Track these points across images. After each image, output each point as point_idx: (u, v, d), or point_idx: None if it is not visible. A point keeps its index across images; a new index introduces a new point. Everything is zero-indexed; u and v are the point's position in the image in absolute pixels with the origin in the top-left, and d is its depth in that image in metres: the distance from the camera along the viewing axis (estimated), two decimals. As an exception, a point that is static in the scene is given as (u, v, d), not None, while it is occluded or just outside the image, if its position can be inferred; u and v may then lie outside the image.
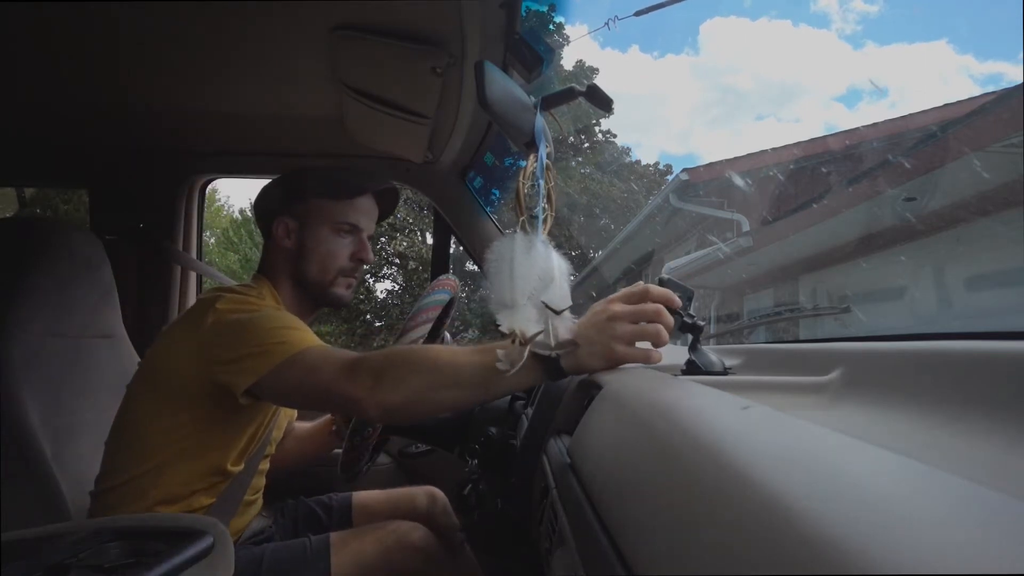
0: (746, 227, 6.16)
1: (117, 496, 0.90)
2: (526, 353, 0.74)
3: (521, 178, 0.78)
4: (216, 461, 0.93)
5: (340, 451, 1.06)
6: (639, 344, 0.69)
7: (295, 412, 1.25)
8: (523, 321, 0.72)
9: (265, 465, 1.08)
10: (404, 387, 0.74)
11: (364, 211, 1.06)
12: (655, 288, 0.71)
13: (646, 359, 0.69)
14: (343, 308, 1.11)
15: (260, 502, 1.11)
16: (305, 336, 0.85)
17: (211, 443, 0.92)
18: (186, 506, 0.92)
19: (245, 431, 0.96)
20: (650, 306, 0.70)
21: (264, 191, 1.08)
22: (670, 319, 0.69)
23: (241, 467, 0.97)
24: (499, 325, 0.76)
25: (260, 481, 1.08)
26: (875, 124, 5.96)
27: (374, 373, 0.75)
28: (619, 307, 0.69)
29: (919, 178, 3.21)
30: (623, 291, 0.72)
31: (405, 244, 11.74)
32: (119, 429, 0.94)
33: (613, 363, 0.69)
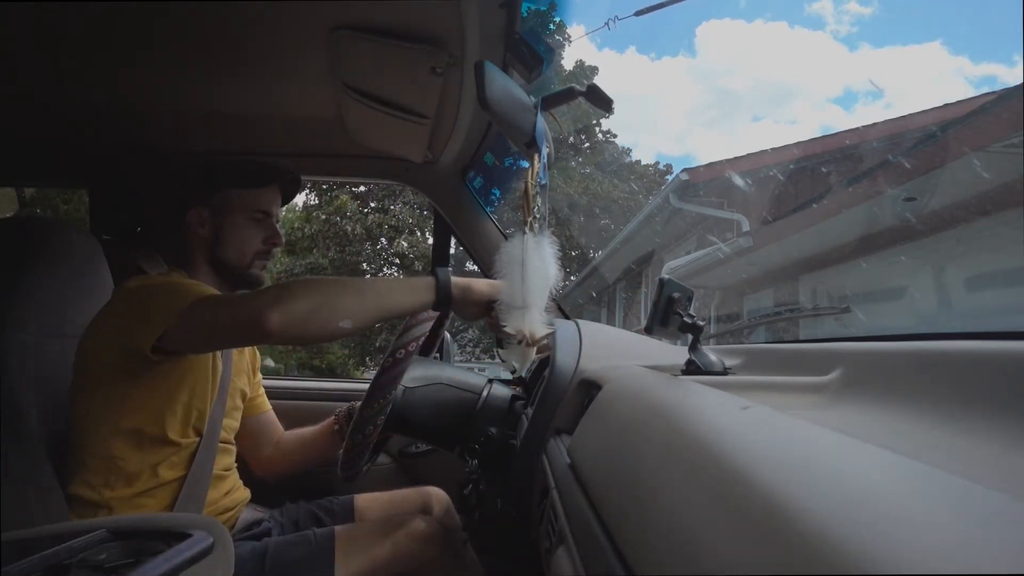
0: (746, 227, 6.16)
1: (82, 488, 0.92)
2: (533, 353, 0.76)
3: (528, 179, 0.79)
4: (153, 431, 0.94)
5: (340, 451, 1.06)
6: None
7: (262, 399, 1.25)
8: (532, 323, 0.73)
9: (229, 443, 1.10)
10: (307, 297, 0.79)
11: (273, 199, 1.13)
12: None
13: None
14: (259, 284, 1.15)
15: (237, 481, 1.12)
16: (210, 290, 0.90)
17: (139, 412, 0.94)
18: (153, 480, 0.94)
19: (176, 398, 0.97)
20: None
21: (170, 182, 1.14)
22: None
23: (192, 439, 0.98)
24: (505, 326, 0.76)
25: (227, 459, 1.10)
26: (875, 124, 5.97)
27: (277, 288, 0.81)
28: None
29: (919, 178, 3.21)
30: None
31: (406, 245, 11.75)
32: (71, 429, 0.97)
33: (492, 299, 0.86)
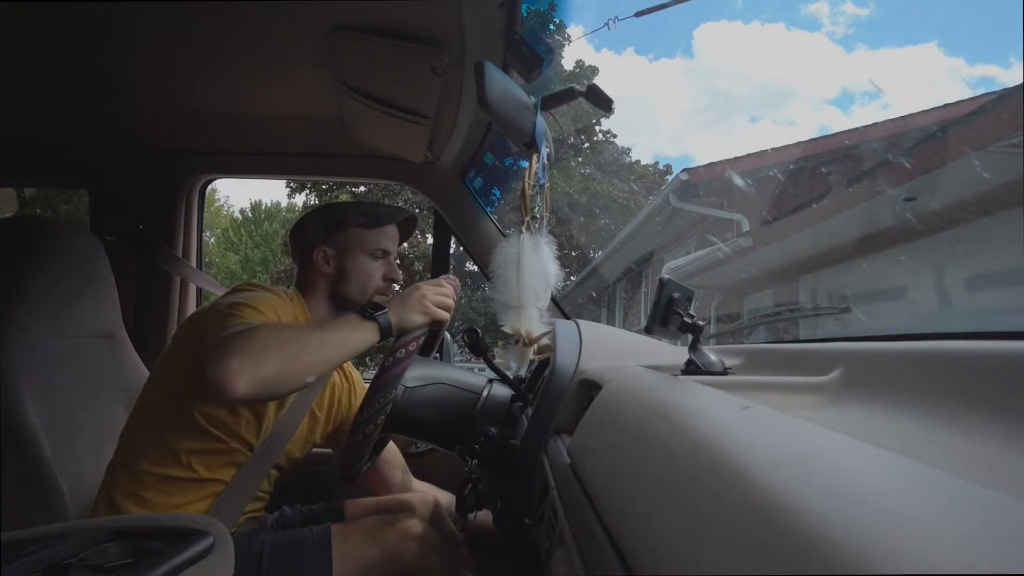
0: (746, 227, 6.16)
1: (127, 453, 0.97)
2: (530, 353, 0.76)
3: (526, 178, 0.79)
4: (203, 422, 0.96)
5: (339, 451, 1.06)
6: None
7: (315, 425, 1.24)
8: (529, 322, 0.73)
9: (277, 471, 1.11)
10: (274, 360, 0.81)
11: (392, 237, 1.18)
12: (450, 277, 1.00)
13: (444, 319, 0.96)
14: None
15: (262, 506, 1.12)
16: (253, 316, 0.93)
17: (197, 399, 0.95)
18: (188, 471, 0.96)
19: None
20: (445, 288, 0.97)
21: (302, 223, 1.18)
22: (452, 304, 0.97)
23: (239, 447, 1.00)
24: (502, 325, 0.76)
25: (267, 484, 1.10)
26: (875, 124, 5.97)
27: (243, 348, 0.80)
28: (423, 285, 0.96)
29: (920, 178, 3.21)
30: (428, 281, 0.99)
31: (406, 245, 11.76)
32: (141, 396, 1.03)
33: (427, 317, 0.94)
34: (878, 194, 3.65)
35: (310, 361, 0.84)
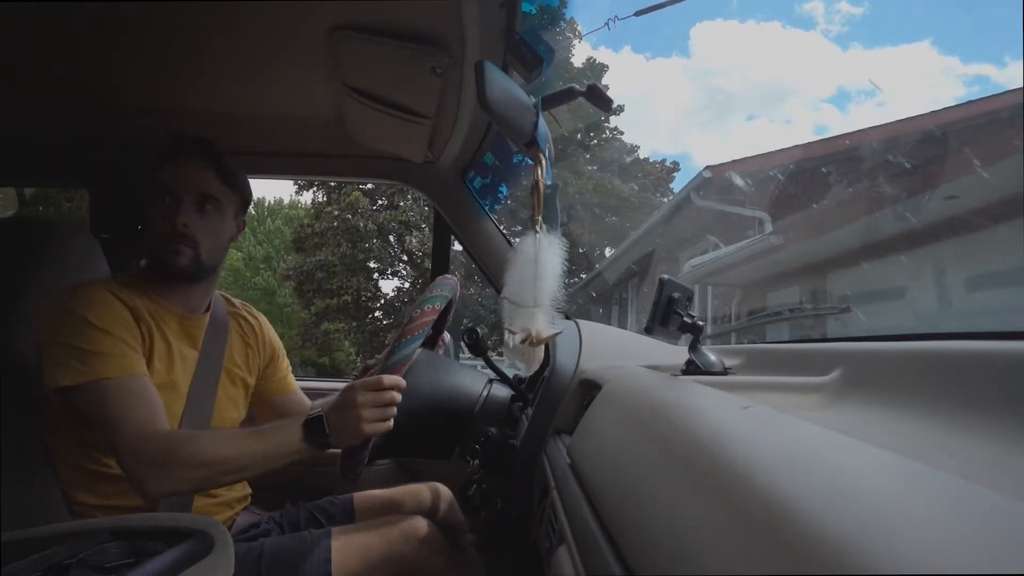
0: (769, 225, 6.11)
1: (65, 487, 0.95)
2: (540, 353, 0.76)
3: (539, 177, 0.79)
4: (96, 437, 0.92)
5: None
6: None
7: (281, 381, 1.22)
8: (540, 323, 0.74)
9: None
10: (194, 476, 0.85)
11: (174, 170, 1.00)
12: (388, 377, 0.89)
13: (385, 430, 0.89)
14: (184, 276, 1.01)
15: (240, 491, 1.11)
16: (104, 366, 0.88)
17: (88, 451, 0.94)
18: (119, 482, 0.92)
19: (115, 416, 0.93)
20: (385, 394, 0.88)
21: None
22: (398, 399, 0.89)
23: None
24: (510, 326, 0.76)
25: None
26: (890, 123, 5.92)
27: (162, 459, 0.83)
28: (360, 396, 0.88)
29: (929, 180, 3.18)
30: (362, 381, 0.90)
31: (416, 243, 11.76)
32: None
33: (362, 438, 0.89)
34: (903, 194, 3.61)
35: (228, 480, 0.92)
